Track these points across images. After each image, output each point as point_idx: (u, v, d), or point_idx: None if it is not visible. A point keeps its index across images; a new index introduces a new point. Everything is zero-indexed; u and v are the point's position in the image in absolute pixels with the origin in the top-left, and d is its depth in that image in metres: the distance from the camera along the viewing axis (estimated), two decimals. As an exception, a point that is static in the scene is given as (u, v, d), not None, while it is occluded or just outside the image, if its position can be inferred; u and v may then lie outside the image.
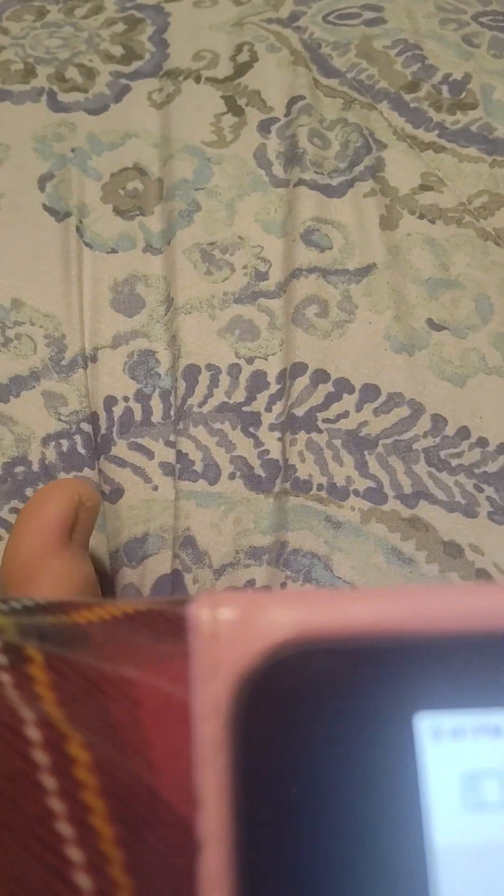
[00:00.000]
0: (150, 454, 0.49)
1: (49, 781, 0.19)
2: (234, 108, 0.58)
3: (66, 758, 0.19)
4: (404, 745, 0.15)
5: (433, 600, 0.16)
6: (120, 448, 0.48)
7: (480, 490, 0.45)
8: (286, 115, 0.57)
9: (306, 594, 0.16)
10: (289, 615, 0.15)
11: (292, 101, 0.58)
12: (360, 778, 0.15)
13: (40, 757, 0.19)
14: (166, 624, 0.27)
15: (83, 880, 0.17)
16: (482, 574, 0.42)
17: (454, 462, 0.45)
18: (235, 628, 0.15)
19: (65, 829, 0.18)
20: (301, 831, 0.15)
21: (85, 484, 0.42)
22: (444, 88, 0.57)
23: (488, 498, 0.44)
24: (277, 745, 0.15)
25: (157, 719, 0.21)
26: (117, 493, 0.48)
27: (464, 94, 0.57)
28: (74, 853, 0.18)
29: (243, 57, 0.61)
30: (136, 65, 0.62)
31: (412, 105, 0.57)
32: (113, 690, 0.22)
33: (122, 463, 0.48)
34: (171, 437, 0.49)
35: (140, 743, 0.20)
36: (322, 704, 0.15)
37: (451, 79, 0.58)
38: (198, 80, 0.60)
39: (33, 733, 0.20)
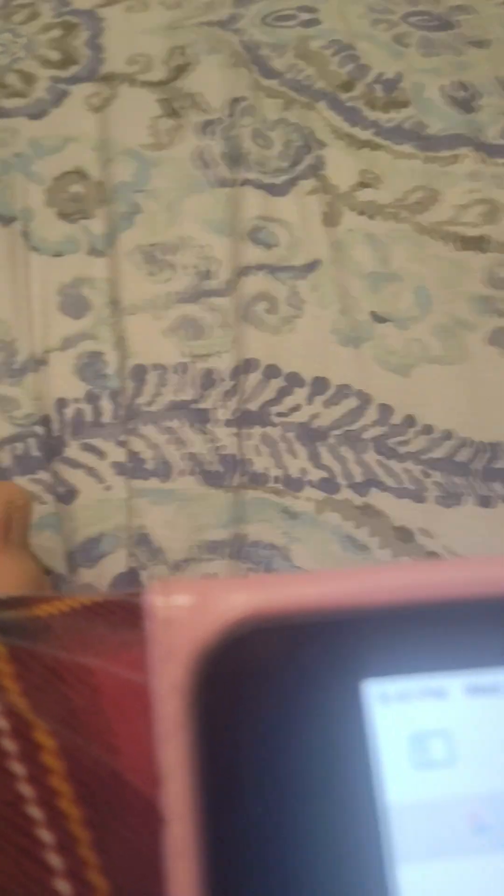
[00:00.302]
0: (102, 454, 0.49)
1: (17, 768, 0.19)
2: (170, 111, 0.59)
3: (33, 745, 0.19)
4: (354, 711, 0.15)
5: (373, 577, 0.16)
6: (72, 449, 0.48)
7: (428, 475, 0.45)
8: (229, 115, 0.58)
9: (255, 578, 0.17)
10: (239, 597, 0.16)
11: (234, 102, 0.58)
12: (314, 744, 0.15)
13: (8, 745, 0.20)
14: (122, 614, 0.27)
15: (54, 860, 0.17)
16: (433, 556, 0.43)
17: (402, 450, 0.46)
18: (189, 612, 0.16)
19: (35, 812, 0.18)
20: (261, 798, 0.15)
21: (11, 484, 0.42)
22: (378, 87, 0.58)
23: (436, 483, 0.45)
24: (235, 719, 0.16)
25: (117, 705, 0.22)
26: (71, 494, 0.47)
27: (396, 93, 0.58)
28: (45, 835, 0.18)
29: (177, 60, 0.61)
30: (73, 69, 0.61)
31: (348, 104, 0.58)
32: (73, 679, 0.22)
33: (75, 464, 0.48)
34: (122, 437, 0.49)
35: (102, 728, 0.21)
36: (275, 679, 0.15)
37: (384, 77, 0.59)
38: (133, 83, 0.60)
39: (0, 723, 0.20)
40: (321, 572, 0.17)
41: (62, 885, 0.17)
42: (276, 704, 0.16)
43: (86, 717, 0.21)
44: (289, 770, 0.15)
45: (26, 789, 0.19)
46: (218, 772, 0.15)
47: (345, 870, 0.15)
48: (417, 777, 0.16)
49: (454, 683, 0.16)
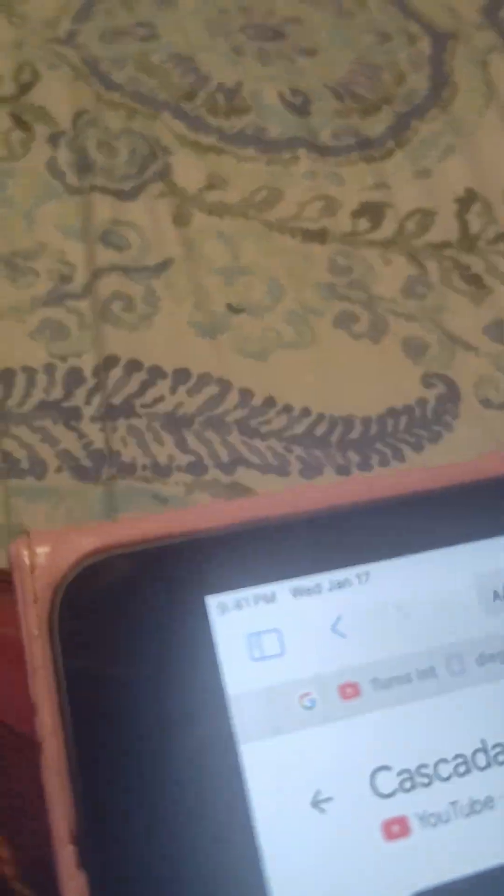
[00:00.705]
0: (-26, 459, 0.49)
1: None
2: (20, 123, 0.60)
3: None
4: (199, 622, 0.18)
5: (205, 509, 0.19)
6: None
7: (290, 451, 0.48)
8: (73, 128, 0.59)
9: (107, 523, 0.19)
10: (90, 539, 0.18)
11: (77, 114, 0.60)
12: (167, 653, 0.17)
13: None
14: None
15: None
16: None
17: (264, 429, 0.49)
18: (48, 558, 0.18)
19: None
20: (122, 706, 0.17)
21: None
22: (219, 96, 0.61)
23: (298, 457, 0.48)
24: (96, 641, 0.17)
25: None
26: None
27: (237, 100, 0.61)
28: None
29: (25, 77, 0.62)
30: None
31: (192, 113, 0.61)
32: None
33: None
34: (-5, 441, 0.49)
35: None
36: (126, 603, 0.17)
37: (224, 87, 0.62)
38: (-17, 99, 0.61)
39: None
40: (162, 514, 0.19)
41: None
42: (129, 625, 0.18)
43: None
44: (145, 679, 0.17)
45: None
46: (84, 692, 0.17)
47: (199, 754, 0.17)
48: (255, 668, 0.18)
49: (282, 588, 0.19)
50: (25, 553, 0.18)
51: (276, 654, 0.18)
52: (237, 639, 0.18)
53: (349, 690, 0.18)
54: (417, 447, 0.49)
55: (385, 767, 0.18)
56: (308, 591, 0.19)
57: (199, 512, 0.19)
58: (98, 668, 0.18)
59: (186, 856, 0.16)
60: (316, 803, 0.17)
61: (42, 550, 0.18)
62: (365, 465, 0.49)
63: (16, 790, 0.20)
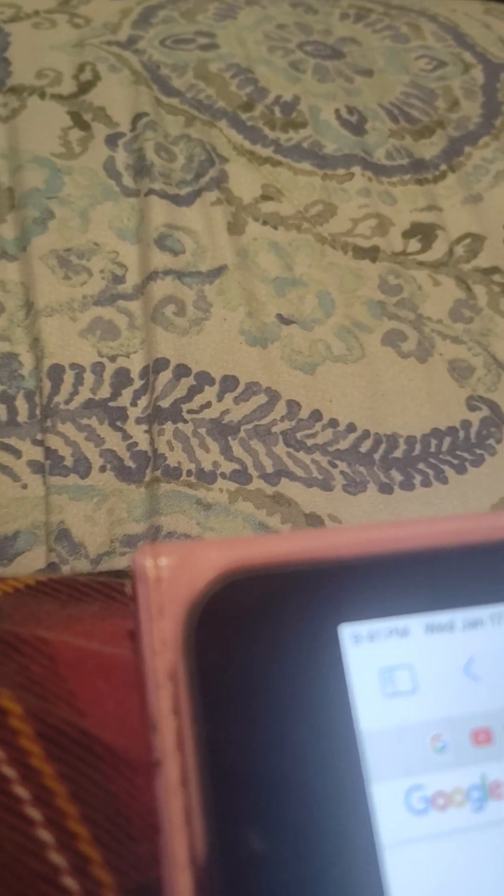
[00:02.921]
0: (17, 453, 0.47)
1: None
2: (80, 122, 0.58)
3: (1, 710, 0.19)
4: (331, 651, 0.16)
5: (345, 533, 0.17)
6: (-13, 448, 0.47)
7: (334, 466, 0.47)
8: (132, 130, 0.58)
9: (235, 539, 0.17)
10: (220, 554, 0.16)
11: (137, 117, 0.58)
12: (297, 682, 0.16)
13: None
14: (67, 591, 0.27)
15: (33, 813, 0.17)
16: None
17: (310, 442, 0.47)
18: (175, 572, 0.16)
19: (8, 771, 0.18)
20: (250, 734, 0.15)
21: None
22: (277, 109, 0.60)
23: (342, 472, 0.46)
24: (225, 665, 0.16)
25: (76, 672, 0.22)
26: (-13, 492, 0.46)
27: (294, 114, 0.59)
28: (21, 791, 0.17)
29: (86, 76, 0.61)
30: (-23, 81, 0.60)
31: (248, 123, 0.59)
32: (30, 650, 0.22)
33: (-10, 463, 0.47)
34: (39, 436, 0.48)
35: (65, 694, 0.21)
36: (259, 625, 0.16)
37: (281, 100, 0.60)
38: (42, 96, 0.59)
39: None
40: (288, 533, 0.18)
41: (44, 834, 0.17)
42: (261, 649, 0.16)
43: (47, 683, 0.21)
44: (274, 707, 0.16)
45: None
46: (211, 712, 0.16)
47: (328, 791, 0.16)
48: (387, 705, 0.16)
49: (416, 623, 0.17)
50: (152, 564, 0.16)
51: (409, 692, 0.17)
52: (370, 672, 0.16)
53: (481, 736, 0.17)
54: (461, 469, 0.47)
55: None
56: (441, 629, 0.17)
57: (332, 536, 0.17)
58: (228, 691, 0.16)
59: (314, 884, 0.15)
60: (446, 834, 0.16)
61: (167, 563, 0.17)
62: (408, 485, 0.47)
63: (119, 813, 0.18)
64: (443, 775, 0.16)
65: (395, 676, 0.17)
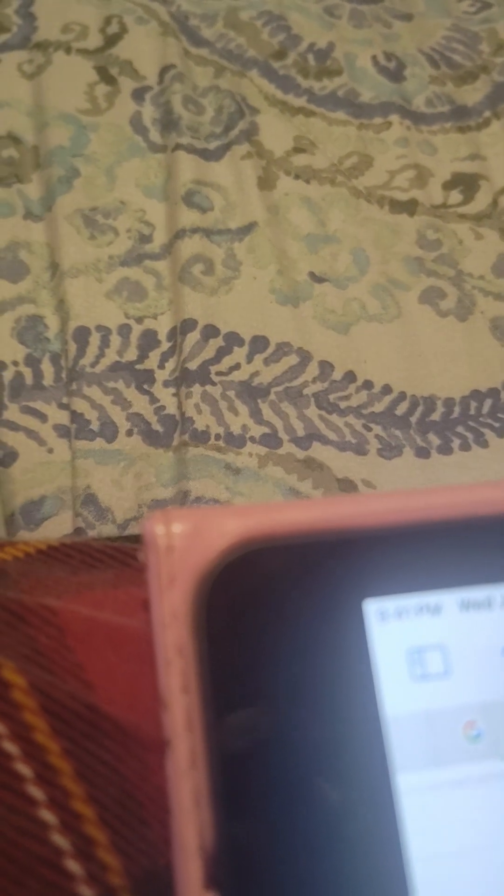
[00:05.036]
0: (43, 417, 0.46)
1: None
2: (106, 77, 0.56)
3: (2, 683, 0.18)
4: (354, 629, 0.14)
5: (371, 500, 0.15)
6: (12, 412, 0.45)
7: (369, 429, 0.44)
8: (159, 83, 0.55)
9: (251, 505, 0.16)
10: (236, 523, 0.15)
11: (164, 69, 0.56)
12: (318, 660, 0.14)
13: None
14: (79, 557, 0.25)
15: (35, 791, 0.16)
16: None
17: (343, 404, 0.45)
18: (188, 540, 0.14)
19: (10, 747, 0.16)
20: (266, 714, 0.14)
21: None
22: (310, 56, 0.57)
23: (377, 436, 0.44)
24: (239, 639, 0.14)
25: (85, 643, 0.20)
26: (11, 457, 0.44)
27: (329, 62, 0.56)
28: (23, 768, 0.16)
29: (112, 29, 0.58)
30: (3, 37, 0.58)
31: (281, 72, 0.56)
32: (37, 620, 0.20)
33: (14, 427, 0.45)
34: (64, 400, 0.46)
35: (72, 665, 0.19)
36: (275, 600, 0.14)
37: (315, 48, 0.57)
38: (68, 51, 0.57)
39: None
40: (312, 499, 0.16)
41: (47, 814, 0.15)
42: (277, 625, 0.14)
43: (54, 655, 0.19)
44: (292, 687, 0.14)
45: None
46: (222, 692, 0.14)
47: (349, 779, 0.14)
48: (416, 689, 0.14)
49: (449, 600, 0.15)
50: (163, 532, 0.14)
51: (440, 675, 0.15)
52: (397, 652, 0.14)
53: (521, 723, 0.15)
54: (502, 433, 0.45)
55: None
56: (478, 606, 0.15)
57: (358, 503, 0.15)
58: (239, 669, 0.14)
59: (330, 884, 0.13)
60: (477, 848, 0.14)
61: (180, 530, 0.15)
62: (446, 449, 0.45)
63: (128, 793, 0.17)
64: (476, 767, 0.14)
65: (426, 657, 0.15)
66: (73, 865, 0.16)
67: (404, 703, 0.14)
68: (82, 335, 0.47)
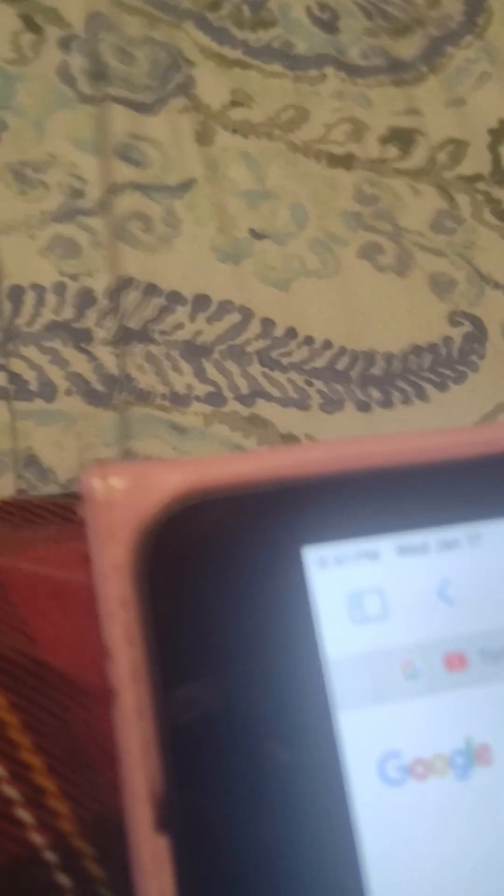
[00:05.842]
0: (-19, 380, 0.45)
1: None
2: (31, 25, 0.54)
3: None
4: (295, 576, 0.15)
5: (310, 450, 0.15)
6: None
7: (311, 385, 0.45)
8: (86, 31, 0.53)
9: (189, 459, 0.16)
10: (176, 476, 0.15)
11: (91, 17, 0.54)
12: (258, 608, 0.14)
13: None
14: (21, 514, 0.25)
15: None
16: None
17: (285, 361, 0.45)
18: (127, 494, 0.14)
19: None
20: (208, 662, 0.14)
21: None
22: (245, 7, 0.55)
23: (319, 391, 0.45)
24: (180, 591, 0.14)
25: (28, 599, 0.20)
26: (-49, 420, 0.44)
27: (263, 13, 0.55)
28: None
29: (38, -27, 0.56)
30: None
31: (216, 24, 0.55)
32: None
33: (-48, 390, 0.44)
34: (1, 360, 0.45)
35: (17, 622, 0.19)
36: (214, 551, 0.14)
37: (249, -3, 0.56)
38: (-8, -3, 0.55)
39: None
40: (253, 452, 0.16)
41: None
42: (218, 575, 0.15)
43: None
44: (232, 637, 0.14)
45: None
46: (166, 642, 0.14)
47: (291, 719, 0.14)
48: (356, 632, 0.15)
49: (386, 545, 0.15)
50: (101, 486, 0.14)
51: (379, 617, 0.15)
52: (337, 597, 0.15)
53: (455, 661, 0.15)
54: (442, 387, 0.46)
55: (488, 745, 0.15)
56: (413, 550, 0.15)
57: (296, 453, 0.15)
58: (182, 620, 0.15)
59: (276, 821, 0.14)
60: (416, 775, 0.15)
61: (119, 484, 0.15)
62: (386, 403, 0.45)
63: (75, 743, 0.17)
64: (414, 703, 0.15)
65: (365, 601, 0.15)
66: (23, 814, 0.16)
67: (345, 646, 0.15)
68: (17, 294, 0.46)
